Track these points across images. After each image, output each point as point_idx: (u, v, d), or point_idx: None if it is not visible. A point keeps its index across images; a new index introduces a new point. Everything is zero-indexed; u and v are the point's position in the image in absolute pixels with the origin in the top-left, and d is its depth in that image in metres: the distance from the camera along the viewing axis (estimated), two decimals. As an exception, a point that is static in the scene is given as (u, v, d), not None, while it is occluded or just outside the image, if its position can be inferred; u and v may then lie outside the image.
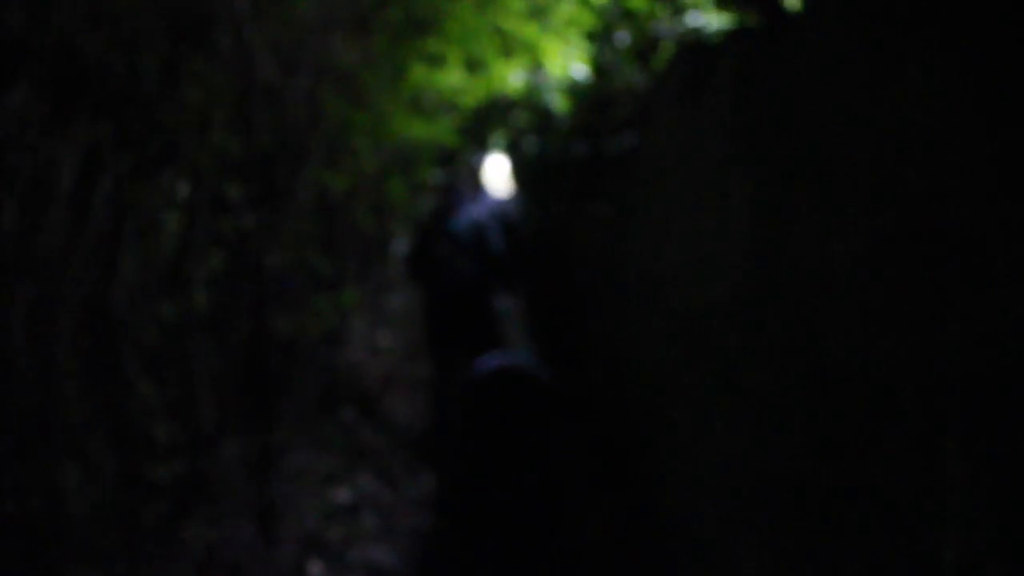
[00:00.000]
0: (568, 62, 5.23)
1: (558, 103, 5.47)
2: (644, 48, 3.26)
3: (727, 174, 2.10)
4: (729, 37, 2.05)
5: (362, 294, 6.25)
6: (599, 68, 4.47)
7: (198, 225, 3.36)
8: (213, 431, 3.27)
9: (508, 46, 5.21)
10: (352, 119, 4.23)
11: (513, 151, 7.87)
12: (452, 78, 5.39)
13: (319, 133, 3.91)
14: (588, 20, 4.09)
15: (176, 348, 3.09)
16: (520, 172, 7.43)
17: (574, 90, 4.80)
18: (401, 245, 7.00)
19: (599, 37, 4.13)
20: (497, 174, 6.45)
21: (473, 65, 5.55)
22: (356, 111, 4.33)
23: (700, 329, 2.46)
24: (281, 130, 3.61)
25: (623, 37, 3.62)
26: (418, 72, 5.08)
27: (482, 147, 7.23)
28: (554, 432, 3.97)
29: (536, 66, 6.12)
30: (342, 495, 4.01)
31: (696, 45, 2.42)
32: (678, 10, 2.82)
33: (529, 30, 4.96)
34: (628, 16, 3.37)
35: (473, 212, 5.17)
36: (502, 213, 5.29)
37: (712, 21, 2.44)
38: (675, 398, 2.88)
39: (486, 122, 7.36)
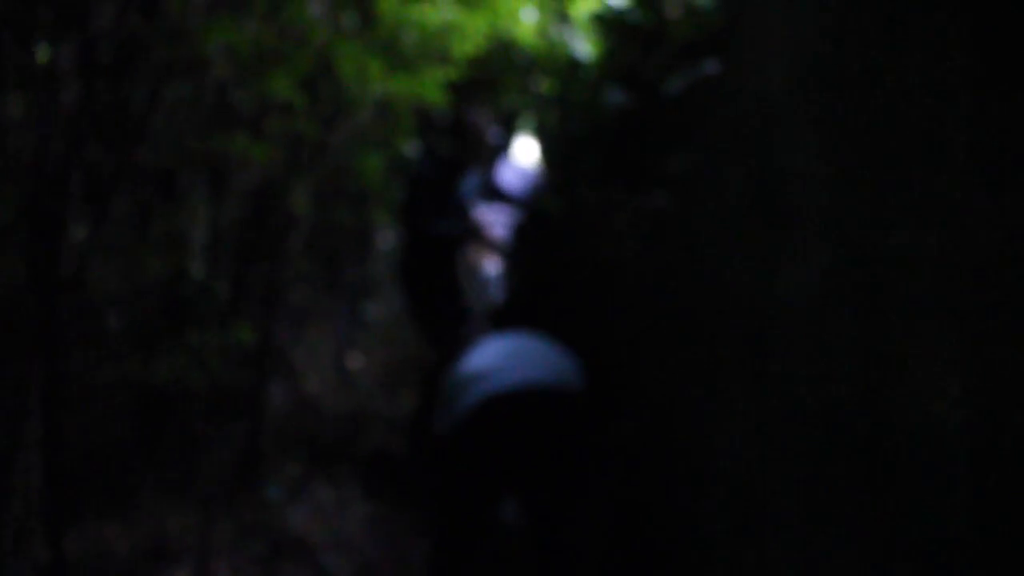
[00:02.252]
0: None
1: (585, 48, 3.97)
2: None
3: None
4: None
5: (328, 304, 4.81)
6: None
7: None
8: None
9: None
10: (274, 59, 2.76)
11: (539, 130, 6.40)
12: (439, 14, 3.91)
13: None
14: None
15: None
16: (545, 151, 5.98)
17: (607, 22, 3.29)
18: (385, 239, 5.55)
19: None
20: (525, 160, 5.12)
21: (470, -2, 4.08)
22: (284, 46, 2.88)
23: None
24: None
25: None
26: (387, 1, 3.60)
27: (491, 115, 5.73)
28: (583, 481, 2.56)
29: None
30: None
31: None
32: None
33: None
34: None
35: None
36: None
37: None
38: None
39: (496, 84, 5.86)
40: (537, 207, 4.53)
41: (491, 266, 3.44)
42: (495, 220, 3.70)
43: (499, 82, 5.86)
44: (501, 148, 5.00)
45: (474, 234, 3.54)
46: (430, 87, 3.84)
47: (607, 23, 3.22)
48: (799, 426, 1.64)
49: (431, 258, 3.50)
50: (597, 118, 3.20)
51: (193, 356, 2.50)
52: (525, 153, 5.49)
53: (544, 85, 5.59)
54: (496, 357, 2.55)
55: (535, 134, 6.68)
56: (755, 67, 1.59)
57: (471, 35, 4.08)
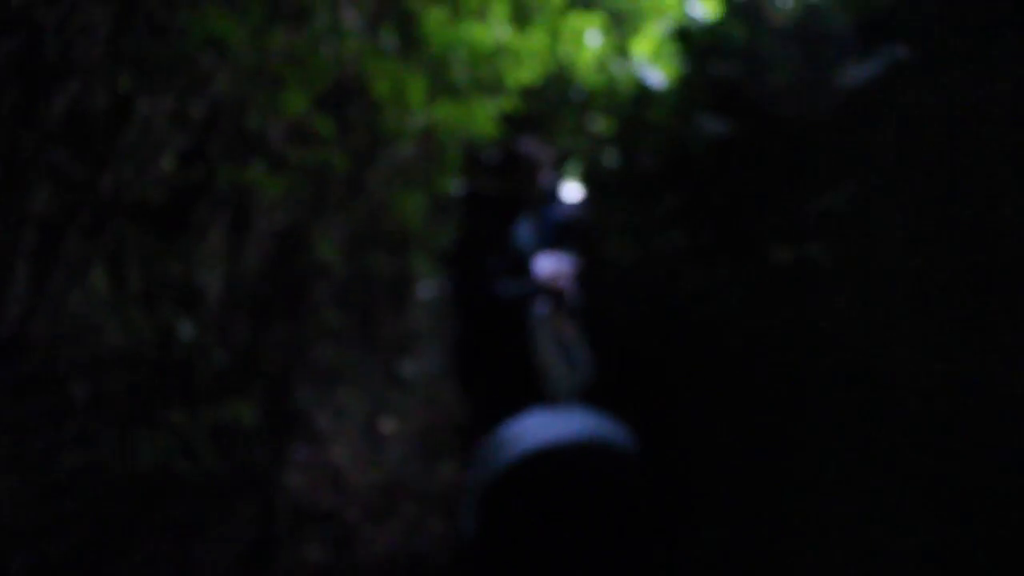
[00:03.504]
0: None
1: (657, 76, 3.45)
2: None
3: None
4: None
5: (360, 361, 4.31)
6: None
7: None
8: None
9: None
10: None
11: (588, 173, 5.86)
12: (491, 35, 3.43)
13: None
14: None
15: None
16: (599, 195, 5.44)
17: (694, 38, 2.78)
18: (426, 289, 5.04)
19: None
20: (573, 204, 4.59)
21: (526, 16, 3.61)
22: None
23: None
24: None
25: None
26: (435, 19, 3.12)
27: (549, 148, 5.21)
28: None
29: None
30: None
31: None
32: None
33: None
34: None
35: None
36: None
37: None
38: None
39: (549, 122, 5.35)
40: (595, 255, 3.99)
41: (569, 331, 2.87)
42: (558, 270, 3.13)
43: (553, 119, 5.35)
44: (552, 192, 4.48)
45: (548, 292, 2.95)
46: (481, 117, 3.35)
47: (694, 39, 2.71)
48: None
49: (499, 328, 2.91)
50: (680, 150, 2.66)
51: (179, 439, 2.00)
52: (572, 197, 4.99)
53: (601, 124, 5.09)
54: (534, 420, 2.12)
55: (583, 178, 6.14)
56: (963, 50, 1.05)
57: (527, 60, 3.60)
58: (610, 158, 4.72)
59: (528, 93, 4.35)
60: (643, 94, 3.53)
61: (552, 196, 3.93)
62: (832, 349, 1.71)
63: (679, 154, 2.71)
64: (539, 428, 2.03)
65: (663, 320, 2.78)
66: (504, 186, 2.98)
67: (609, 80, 4.29)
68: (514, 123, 4.36)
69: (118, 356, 1.99)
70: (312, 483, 3.54)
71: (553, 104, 5.19)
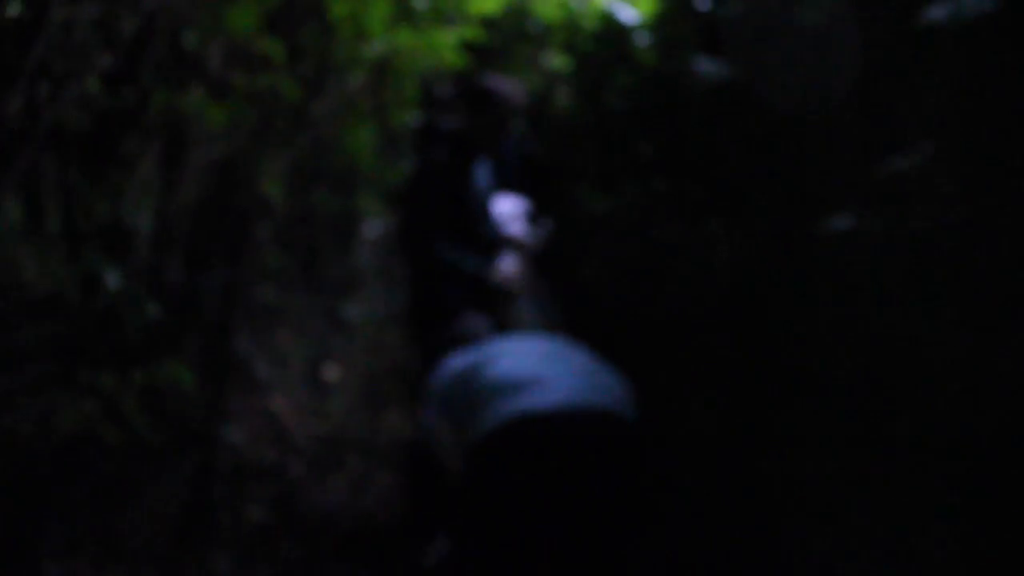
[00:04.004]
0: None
1: (630, 13, 3.21)
2: None
3: None
4: None
5: (302, 304, 4.07)
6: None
7: None
8: None
9: None
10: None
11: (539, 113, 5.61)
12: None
13: None
14: None
15: None
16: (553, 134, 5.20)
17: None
18: (373, 229, 4.79)
19: None
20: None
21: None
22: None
23: None
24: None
25: None
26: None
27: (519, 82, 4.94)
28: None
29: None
30: None
31: None
32: None
33: None
34: None
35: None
36: None
37: None
38: None
39: (504, 57, 5.07)
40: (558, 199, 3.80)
41: (539, 286, 2.67)
42: (512, 214, 2.95)
43: (509, 54, 5.08)
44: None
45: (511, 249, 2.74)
46: (442, 47, 3.09)
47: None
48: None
49: (453, 276, 2.69)
50: (662, 93, 2.46)
51: (106, 403, 1.76)
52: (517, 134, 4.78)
53: (557, 61, 4.84)
54: (526, 362, 1.88)
55: (531, 115, 5.86)
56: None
57: (495, -15, 3.34)
58: (566, 97, 4.49)
59: (483, 24, 4.08)
60: (612, 30, 3.30)
61: (512, 136, 3.70)
62: (827, 320, 1.57)
63: (660, 97, 2.51)
64: (547, 372, 1.81)
65: (637, 272, 2.61)
66: (473, 125, 2.74)
67: (569, 14, 4.06)
68: (475, 54, 4.09)
69: (34, 308, 1.73)
70: (253, 437, 3.32)
71: (509, 37, 4.92)
